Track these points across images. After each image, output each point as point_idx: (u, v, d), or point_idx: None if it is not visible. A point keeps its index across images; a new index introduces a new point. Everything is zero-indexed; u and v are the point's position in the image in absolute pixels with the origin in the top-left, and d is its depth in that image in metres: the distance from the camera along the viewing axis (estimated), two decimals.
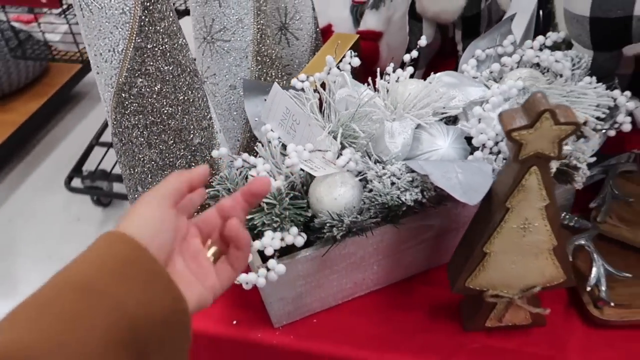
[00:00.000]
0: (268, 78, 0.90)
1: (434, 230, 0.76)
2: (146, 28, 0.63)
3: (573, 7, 0.78)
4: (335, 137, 0.70)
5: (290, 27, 1.01)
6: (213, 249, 0.50)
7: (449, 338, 0.72)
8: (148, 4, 0.62)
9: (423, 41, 0.85)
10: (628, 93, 0.73)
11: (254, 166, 0.71)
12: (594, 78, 0.76)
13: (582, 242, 0.73)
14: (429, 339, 0.72)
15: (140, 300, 0.40)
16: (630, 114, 0.74)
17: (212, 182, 0.73)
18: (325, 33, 1.13)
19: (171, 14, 0.66)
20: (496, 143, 0.68)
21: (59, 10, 1.71)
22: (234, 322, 0.77)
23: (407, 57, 0.84)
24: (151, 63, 0.65)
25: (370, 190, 0.66)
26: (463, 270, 0.65)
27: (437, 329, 0.74)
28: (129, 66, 0.65)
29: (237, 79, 0.88)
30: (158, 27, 0.64)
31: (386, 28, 1.13)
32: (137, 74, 0.65)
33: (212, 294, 0.49)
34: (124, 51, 0.63)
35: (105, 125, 2.12)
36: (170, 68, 0.67)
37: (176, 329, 0.43)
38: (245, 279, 0.62)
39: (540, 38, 0.82)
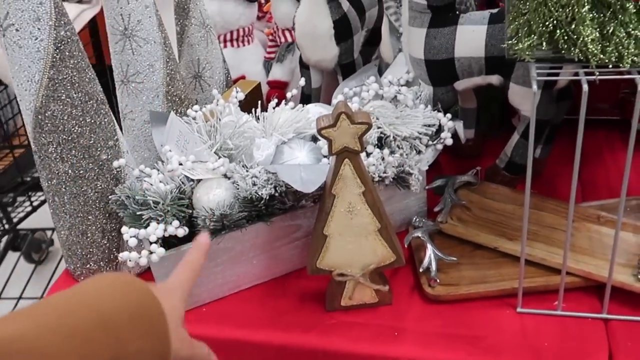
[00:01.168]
0: (178, 114, 1.08)
1: (303, 230, 0.92)
2: (58, 63, 0.81)
3: (412, 52, 0.98)
4: (215, 152, 0.87)
5: (203, 76, 1.20)
6: None
7: (311, 317, 0.87)
8: (59, 44, 0.80)
9: (302, 82, 1.05)
10: (449, 115, 0.92)
11: (149, 176, 0.87)
12: (429, 106, 0.95)
13: (418, 234, 0.89)
14: (296, 319, 0.87)
15: (140, 348, 0.45)
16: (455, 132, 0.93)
17: (116, 190, 0.88)
18: None
19: (80, 53, 0.84)
20: None
21: None
22: None
23: (288, 95, 1.03)
24: (62, 91, 0.82)
25: (238, 189, 0.82)
26: (312, 252, 0.81)
27: (304, 311, 0.88)
28: (44, 93, 0.82)
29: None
30: (68, 63, 0.82)
31: (291, 78, 1.33)
32: (50, 100, 0.82)
33: None
34: (39, 81, 0.81)
35: None
36: (79, 95, 0.84)
37: None
38: (128, 257, 0.77)
39: (393, 78, 1.02)
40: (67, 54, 0.81)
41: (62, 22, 0.81)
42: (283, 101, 0.99)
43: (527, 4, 0.67)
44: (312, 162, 0.86)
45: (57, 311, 0.43)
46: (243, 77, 1.34)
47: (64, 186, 0.89)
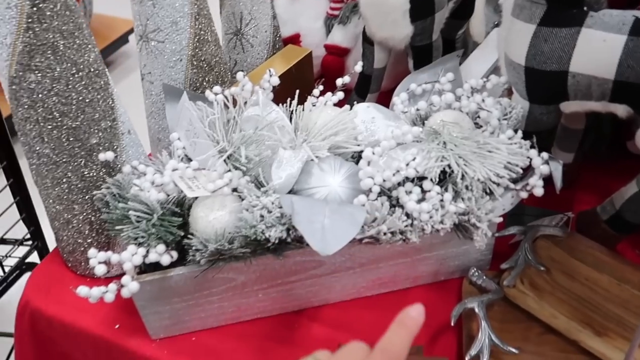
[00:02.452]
0: (205, 83, 0.88)
1: (325, 267, 0.72)
2: (34, 25, 0.62)
3: (510, 53, 0.72)
4: (226, 158, 0.68)
5: (245, 34, 0.99)
6: None
7: None
8: (38, 1, 0.61)
9: (359, 67, 0.82)
10: (545, 155, 0.67)
11: (144, 174, 0.70)
12: (519, 133, 0.70)
13: (473, 306, 0.68)
14: None
15: None
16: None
17: (103, 185, 0.71)
18: (293, 42, 1.10)
19: (69, 13, 0.64)
20: (381, 191, 0.64)
21: None
22: (117, 326, 0.76)
23: (339, 81, 0.80)
24: (41, 60, 0.64)
25: (240, 221, 0.63)
26: None
27: None
28: (18, 60, 0.64)
29: (170, 80, 0.86)
30: (49, 25, 0.63)
31: (354, 45, 1.09)
32: (26, 69, 0.64)
33: None
34: (11, 45, 0.63)
35: None
36: (63, 67, 0.65)
37: None
38: (88, 294, 0.61)
39: (476, 82, 0.77)
40: (47, 14, 0.62)
41: None
42: (328, 94, 0.77)
43: None
44: (347, 196, 0.65)
45: None
46: (297, 36, 1.11)
47: (45, 169, 0.73)
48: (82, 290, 0.61)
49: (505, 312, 0.72)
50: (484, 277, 0.74)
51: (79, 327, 0.77)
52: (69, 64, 0.66)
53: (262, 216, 0.61)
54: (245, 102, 0.74)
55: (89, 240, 0.79)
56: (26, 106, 0.67)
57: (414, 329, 0.37)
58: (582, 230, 0.80)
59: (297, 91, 0.76)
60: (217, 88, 0.75)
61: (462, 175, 0.65)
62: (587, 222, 0.80)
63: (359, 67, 0.81)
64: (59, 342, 0.82)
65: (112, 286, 0.62)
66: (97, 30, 2.62)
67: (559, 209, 0.85)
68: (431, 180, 0.65)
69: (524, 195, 0.68)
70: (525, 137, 0.70)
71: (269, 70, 0.75)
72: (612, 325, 0.68)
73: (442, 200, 0.64)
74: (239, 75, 0.73)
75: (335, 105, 0.78)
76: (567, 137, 0.84)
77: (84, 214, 0.76)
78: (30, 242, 1.27)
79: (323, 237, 0.57)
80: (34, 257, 1.30)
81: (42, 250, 1.31)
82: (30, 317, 0.82)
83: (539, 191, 0.66)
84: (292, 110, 0.75)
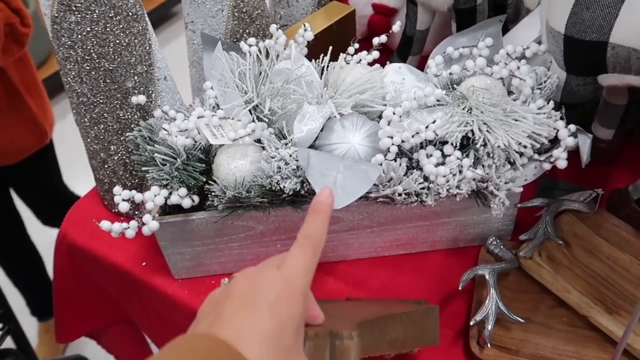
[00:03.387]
0: (245, 35, 0.89)
1: (344, 223, 0.73)
2: None
3: (551, 20, 0.69)
4: (253, 109, 0.69)
5: None
6: None
7: None
8: None
9: (396, 26, 0.80)
10: (572, 127, 0.65)
11: (174, 119, 0.72)
12: (550, 103, 0.68)
13: (484, 273, 0.68)
14: None
15: None
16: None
17: (135, 128, 0.74)
18: (341, 0, 1.09)
19: None
20: (402, 152, 0.64)
21: None
22: (143, 263, 0.81)
23: (375, 40, 0.80)
24: (80, 1, 0.67)
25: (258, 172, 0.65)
26: None
27: None
28: (59, 0, 0.67)
29: (211, 30, 0.88)
30: None
31: (402, 5, 1.07)
32: (66, 9, 0.67)
33: None
34: None
35: None
36: (102, 9, 0.68)
37: None
38: (109, 228, 0.64)
39: (515, 49, 0.74)
40: None
41: None
42: (363, 52, 0.76)
43: None
44: (365, 154, 0.66)
45: None
46: None
47: (83, 108, 0.77)
48: (105, 224, 0.64)
49: (520, 282, 0.72)
50: (502, 247, 0.73)
51: (110, 262, 0.82)
52: (107, 7, 0.68)
53: (279, 167, 0.63)
54: (278, 55, 0.74)
55: (123, 181, 0.83)
56: (66, 46, 0.70)
57: (328, 211, 0.41)
58: (612, 208, 0.78)
59: (330, 47, 0.76)
60: (251, 40, 0.76)
61: (485, 142, 0.64)
62: (618, 201, 0.77)
63: (396, 27, 0.79)
64: (91, 273, 0.88)
65: (133, 223, 0.65)
66: None
67: (594, 185, 0.82)
68: (452, 144, 0.65)
69: (547, 166, 0.66)
70: (559, 109, 0.68)
71: (304, 25, 0.75)
72: (625, 305, 0.66)
73: (460, 166, 0.64)
74: (272, 27, 0.74)
75: (370, 64, 0.78)
76: (608, 113, 0.81)
77: (119, 154, 0.80)
78: (0, 326, 1.15)
79: (333, 191, 0.57)
80: (8, 342, 1.15)
81: (17, 333, 1.17)
82: (67, 248, 0.87)
83: (562, 163, 0.65)
84: (325, 67, 0.75)
